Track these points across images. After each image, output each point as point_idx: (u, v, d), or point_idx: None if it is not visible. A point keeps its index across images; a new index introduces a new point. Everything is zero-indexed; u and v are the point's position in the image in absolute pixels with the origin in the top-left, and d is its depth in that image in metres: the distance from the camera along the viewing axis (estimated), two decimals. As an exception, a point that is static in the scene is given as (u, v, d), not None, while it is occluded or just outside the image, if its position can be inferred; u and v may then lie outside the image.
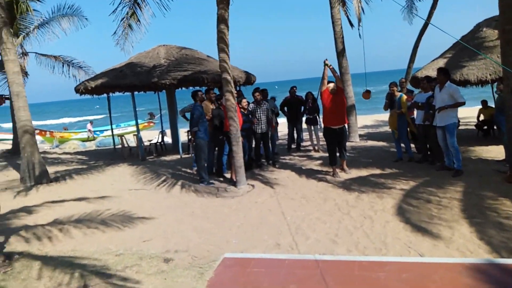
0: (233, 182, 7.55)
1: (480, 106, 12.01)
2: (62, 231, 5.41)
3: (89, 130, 24.33)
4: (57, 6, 15.73)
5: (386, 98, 8.75)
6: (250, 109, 8.54)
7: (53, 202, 7.06)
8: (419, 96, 8.20)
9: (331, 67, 7.53)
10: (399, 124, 8.47)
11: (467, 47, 8.51)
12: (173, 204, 6.64)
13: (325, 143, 8.07)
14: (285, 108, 10.88)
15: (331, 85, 7.49)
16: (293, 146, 11.31)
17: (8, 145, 17.37)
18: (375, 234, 4.72)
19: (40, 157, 8.91)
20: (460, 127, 9.54)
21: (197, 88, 11.45)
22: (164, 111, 14.86)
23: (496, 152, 8.65)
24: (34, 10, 15.04)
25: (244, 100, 8.40)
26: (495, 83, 10.07)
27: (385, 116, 19.06)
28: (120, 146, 13.54)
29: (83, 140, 22.10)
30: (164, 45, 13.47)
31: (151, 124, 27.22)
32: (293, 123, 10.94)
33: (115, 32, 8.76)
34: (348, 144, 10.75)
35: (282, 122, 12.23)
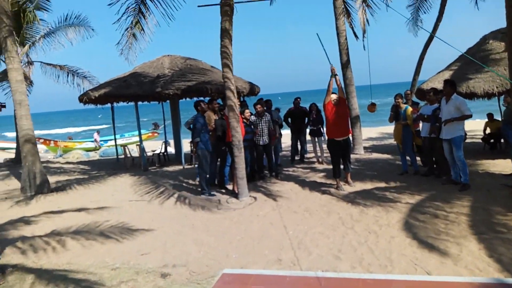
0: (235, 194, 7.43)
1: (487, 119, 11.87)
2: (60, 243, 5.30)
3: (95, 140, 24.38)
4: (64, 16, 15.71)
5: (391, 110, 8.64)
6: (251, 121, 8.44)
7: (52, 212, 6.96)
8: (425, 108, 8.08)
9: (337, 76, 7.42)
10: (404, 136, 8.34)
11: (473, 61, 8.38)
12: (173, 215, 6.51)
13: (329, 155, 7.94)
14: (289, 120, 10.79)
15: (334, 96, 7.39)
16: (297, 157, 11.19)
17: (11, 154, 17.42)
18: (380, 250, 4.57)
19: (41, 167, 8.85)
20: (466, 140, 9.39)
21: (201, 98, 11.43)
22: (168, 121, 14.82)
23: (504, 166, 8.49)
24: (40, 19, 15.22)
25: (247, 111, 8.32)
26: (502, 96, 9.95)
27: (390, 128, 18.90)
28: (123, 156, 13.49)
29: (87, 150, 22.11)
30: (168, 55, 13.48)
31: (155, 134, 27.25)
32: (297, 135, 10.83)
33: (119, 42, 8.74)
34: (352, 156, 10.61)
35: (286, 134, 12.13)
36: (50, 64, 16.27)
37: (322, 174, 9.03)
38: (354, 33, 13.46)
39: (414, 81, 15.33)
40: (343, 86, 8.87)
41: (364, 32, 12.61)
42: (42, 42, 15.61)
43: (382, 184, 7.74)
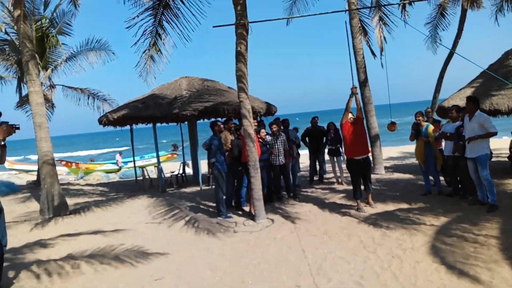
0: (251, 216, 7.27)
1: (512, 137, 11.46)
2: (74, 267, 5.22)
3: (117, 161, 24.69)
4: (85, 40, 16.15)
5: (412, 128, 8.40)
6: (267, 141, 8.32)
7: (69, 235, 6.93)
8: (447, 126, 7.83)
9: (357, 95, 7.29)
10: (426, 155, 8.07)
11: (495, 77, 8.13)
12: (188, 238, 6.38)
13: (349, 175, 7.73)
14: (307, 139, 10.64)
15: (350, 115, 7.25)
16: (316, 178, 10.98)
17: (34, 176, 17.70)
18: (404, 276, 4.31)
19: (60, 189, 8.89)
20: (492, 159, 9.04)
21: (219, 119, 11.44)
22: (187, 142, 14.88)
23: (533, 185, 8.10)
24: (62, 43, 15.70)
25: (262, 130, 8.21)
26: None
27: (411, 147, 18.50)
28: (141, 178, 13.53)
29: (108, 172, 22.35)
30: (186, 77, 13.62)
31: (175, 155, 27.42)
32: (315, 155, 10.66)
33: (137, 64, 8.84)
34: (373, 176, 10.34)
35: (304, 153, 11.96)
36: (71, 87, 16.65)
37: (342, 195, 8.79)
38: (372, 51, 13.39)
39: (435, 99, 15.06)
40: (361, 104, 8.71)
41: (381, 50, 12.54)
42: (64, 65, 16.04)
43: (405, 205, 7.45)
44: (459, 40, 14.77)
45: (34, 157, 40.45)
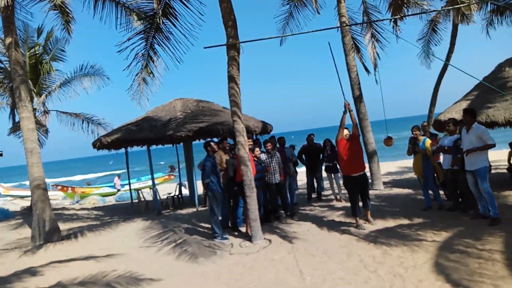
0: (248, 237, 7.07)
1: (510, 149, 11.37)
2: (62, 296, 5.00)
3: (115, 184, 24.45)
4: (79, 66, 16.14)
5: (409, 143, 8.30)
6: (262, 160, 8.19)
7: (59, 262, 6.69)
8: (444, 139, 7.72)
9: (351, 112, 7.22)
10: (425, 169, 7.95)
11: (492, 88, 8.09)
12: (183, 262, 6.17)
13: (347, 191, 7.57)
14: (303, 157, 10.52)
15: (345, 131, 7.16)
16: (314, 195, 10.81)
17: (29, 202, 17.41)
18: (407, 296, 4.13)
19: (52, 214, 8.67)
20: (491, 171, 8.90)
21: (215, 139, 11.34)
22: (183, 164, 14.72)
23: (535, 197, 7.95)
24: (56, 69, 15.69)
25: (257, 149, 8.09)
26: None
27: (409, 162, 18.34)
28: (137, 200, 13.33)
29: (104, 195, 22.08)
30: (180, 99, 13.56)
31: (172, 177, 27.22)
32: (312, 172, 10.52)
33: (130, 87, 8.76)
34: (372, 192, 10.19)
35: (302, 171, 11.81)
36: (65, 113, 16.54)
37: (341, 212, 8.61)
38: (365, 67, 13.41)
39: (431, 113, 15.02)
40: (357, 121, 8.63)
41: (375, 66, 12.58)
42: (58, 91, 15.97)
43: (405, 221, 7.27)
44: (452, 54, 14.85)
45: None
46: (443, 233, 6.19)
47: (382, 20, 12.10)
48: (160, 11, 8.21)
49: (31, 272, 6.20)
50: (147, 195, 15.51)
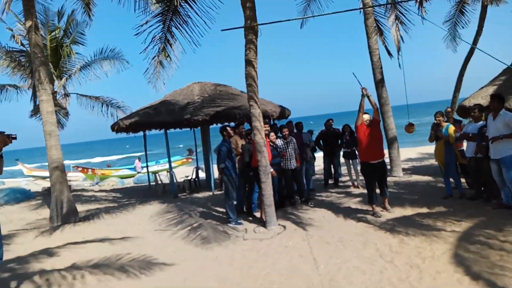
0: (263, 222, 7.00)
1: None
2: (76, 278, 5.04)
3: (136, 166, 24.83)
4: (99, 49, 16.19)
5: (431, 129, 8.01)
6: (278, 146, 8.06)
7: (75, 243, 6.79)
8: (469, 126, 7.41)
9: (370, 97, 6.97)
10: (447, 157, 7.67)
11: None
12: (197, 247, 6.15)
13: (364, 178, 7.39)
14: (321, 142, 10.33)
15: (366, 116, 6.92)
16: (331, 181, 10.65)
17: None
18: (424, 289, 3.98)
19: (70, 195, 8.80)
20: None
21: (232, 123, 11.26)
22: (200, 148, 14.75)
23: None
24: (77, 53, 15.81)
25: (272, 134, 7.95)
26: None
27: (430, 148, 17.88)
28: (154, 183, 13.46)
29: (124, 177, 22.43)
30: (198, 82, 13.50)
31: (190, 160, 27.44)
32: (330, 158, 10.34)
33: (146, 70, 8.70)
34: (390, 179, 9.98)
35: (320, 156, 11.65)
36: (85, 96, 16.74)
37: (358, 199, 8.44)
38: (388, 51, 12.99)
39: (455, 98, 14.53)
40: (378, 106, 8.38)
41: (398, 49, 12.15)
42: (78, 74, 16.11)
43: (424, 210, 7.06)
44: (479, 37, 14.22)
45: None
46: (464, 223, 5.97)
47: (407, 0, 11.59)
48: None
49: (48, 253, 6.30)
50: (165, 178, 15.62)
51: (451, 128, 7.62)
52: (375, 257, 5.00)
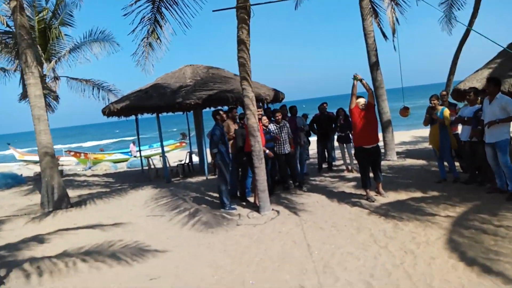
0: (256, 207, 6.94)
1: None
2: (67, 265, 4.98)
3: (131, 151, 24.66)
4: (89, 31, 15.79)
5: (426, 113, 7.92)
6: (271, 130, 7.95)
7: (67, 229, 6.70)
8: (464, 110, 7.33)
9: (363, 81, 6.83)
10: (442, 140, 7.61)
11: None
12: (190, 233, 6.09)
13: (358, 163, 7.33)
14: (315, 126, 10.24)
15: (361, 100, 6.81)
16: (325, 166, 10.59)
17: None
18: (418, 275, 3.95)
19: (61, 181, 8.67)
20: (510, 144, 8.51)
21: (225, 107, 11.11)
22: (193, 132, 14.59)
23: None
24: (66, 35, 15.41)
25: (264, 118, 7.84)
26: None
27: (424, 131, 17.86)
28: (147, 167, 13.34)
29: (116, 162, 22.28)
30: (190, 65, 13.25)
31: (183, 144, 27.26)
32: (324, 142, 10.25)
33: (135, 52, 8.48)
34: (384, 163, 9.94)
35: (314, 140, 11.59)
36: (75, 79, 16.43)
37: (352, 183, 8.40)
38: (383, 33, 12.82)
39: (449, 81, 14.38)
40: (372, 89, 8.26)
41: (393, 32, 11.96)
42: (68, 57, 15.74)
43: (418, 194, 7.04)
44: (475, 19, 14.03)
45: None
46: (458, 207, 5.95)
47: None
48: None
49: (39, 239, 6.21)
50: (158, 162, 15.51)
51: (446, 111, 7.55)
52: (369, 242, 4.97)
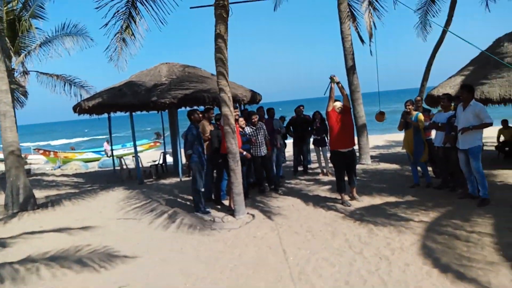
0: (231, 211, 6.81)
1: (500, 126, 11.21)
2: (31, 272, 4.71)
3: (106, 150, 24.00)
4: (61, 24, 15.26)
5: (401, 117, 8.00)
6: (247, 132, 7.84)
7: (32, 233, 6.39)
8: (438, 115, 7.43)
9: (339, 84, 6.82)
10: (416, 144, 7.67)
11: (491, 60, 7.75)
12: (162, 237, 5.90)
13: (333, 167, 7.31)
14: (291, 128, 10.20)
15: (338, 103, 6.79)
16: (300, 168, 10.57)
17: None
18: (393, 282, 3.93)
19: (27, 181, 8.29)
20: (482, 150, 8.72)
21: (201, 107, 10.92)
22: (168, 132, 14.30)
23: (524, 177, 7.81)
24: (36, 28, 14.82)
25: (241, 119, 7.73)
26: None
27: (397, 136, 18.18)
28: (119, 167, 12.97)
29: (87, 161, 21.66)
30: (166, 63, 12.96)
31: (157, 144, 26.81)
32: (299, 144, 10.22)
33: (108, 48, 8.20)
34: (359, 166, 10.00)
35: (291, 143, 11.56)
36: (46, 74, 15.84)
37: (327, 187, 8.39)
38: (360, 37, 12.93)
39: (423, 87, 14.64)
40: (348, 93, 8.27)
41: (370, 36, 12.08)
42: (38, 51, 15.17)
43: (392, 199, 7.08)
44: (449, 27, 14.37)
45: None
46: (431, 213, 6.01)
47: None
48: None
49: (0, 243, 5.89)
50: (131, 162, 15.13)
51: (421, 116, 7.63)
52: (344, 248, 4.93)
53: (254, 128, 7.96)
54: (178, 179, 10.80)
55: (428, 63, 14.58)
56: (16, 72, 15.05)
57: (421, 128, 7.56)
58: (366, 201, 7.06)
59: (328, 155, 9.00)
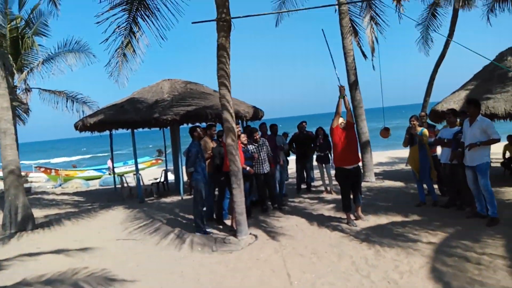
0: (233, 231, 6.63)
1: (506, 142, 11.04)
2: (24, 297, 4.54)
3: (109, 167, 23.86)
4: (64, 41, 15.30)
5: (406, 133, 7.85)
6: (250, 150, 7.71)
7: (29, 255, 6.21)
8: (444, 131, 7.29)
9: (345, 97, 6.69)
10: (421, 161, 7.50)
11: (506, 69, 7.64)
12: (161, 260, 5.71)
13: (339, 185, 7.14)
14: (294, 145, 10.06)
15: (341, 120, 6.66)
16: (303, 186, 10.39)
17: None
18: (403, 309, 3.74)
19: (26, 200, 8.14)
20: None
21: (204, 124, 10.83)
22: (170, 149, 14.18)
23: (532, 195, 7.61)
24: (39, 45, 14.89)
25: (242, 135, 7.60)
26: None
27: (401, 152, 17.99)
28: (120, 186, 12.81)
29: (89, 179, 21.51)
30: (168, 80, 12.95)
31: (159, 161, 26.69)
32: (302, 161, 10.05)
33: (108, 63, 8.16)
34: (363, 184, 9.79)
35: (292, 160, 11.41)
36: (48, 90, 15.82)
37: (331, 205, 8.21)
38: (363, 52, 12.89)
39: (425, 103, 14.59)
40: (351, 108, 8.16)
41: (373, 51, 12.03)
42: (41, 68, 15.18)
43: (399, 218, 6.88)
44: (450, 42, 14.36)
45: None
46: (439, 233, 5.81)
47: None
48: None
49: (-3, 265, 5.73)
50: (132, 180, 14.99)
51: (425, 131, 7.50)
52: (351, 271, 4.74)
53: (257, 145, 7.83)
54: (179, 198, 10.64)
55: (431, 78, 14.54)
56: (19, 89, 15.04)
57: (425, 142, 7.41)
58: (372, 220, 6.87)
59: (333, 172, 8.85)
